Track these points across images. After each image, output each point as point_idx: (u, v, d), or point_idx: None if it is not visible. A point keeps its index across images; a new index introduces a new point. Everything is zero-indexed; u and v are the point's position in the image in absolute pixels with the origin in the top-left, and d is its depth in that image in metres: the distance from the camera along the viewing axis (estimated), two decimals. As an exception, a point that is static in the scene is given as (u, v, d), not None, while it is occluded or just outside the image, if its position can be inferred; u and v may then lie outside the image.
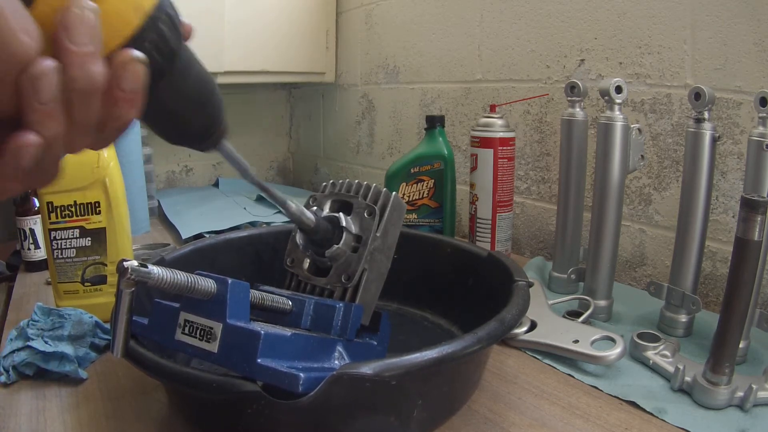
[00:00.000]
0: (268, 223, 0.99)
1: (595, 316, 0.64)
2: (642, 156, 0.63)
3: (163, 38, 0.26)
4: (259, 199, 1.20)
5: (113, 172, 0.63)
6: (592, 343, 0.53)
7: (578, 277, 0.72)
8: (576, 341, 0.54)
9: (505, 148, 0.82)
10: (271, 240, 0.66)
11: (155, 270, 0.33)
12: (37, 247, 0.84)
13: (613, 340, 0.53)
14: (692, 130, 0.57)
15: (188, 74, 0.30)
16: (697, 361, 0.50)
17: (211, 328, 0.36)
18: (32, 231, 0.84)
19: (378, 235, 0.46)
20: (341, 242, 0.45)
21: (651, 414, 0.45)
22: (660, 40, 0.73)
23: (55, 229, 0.62)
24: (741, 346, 0.52)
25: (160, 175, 1.41)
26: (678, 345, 0.54)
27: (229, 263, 0.63)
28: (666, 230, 0.75)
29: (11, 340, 0.53)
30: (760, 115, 0.52)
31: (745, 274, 0.44)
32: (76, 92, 0.23)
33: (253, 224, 1.00)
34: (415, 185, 0.90)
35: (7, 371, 0.50)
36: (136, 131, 1.03)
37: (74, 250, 0.62)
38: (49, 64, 0.22)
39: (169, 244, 0.90)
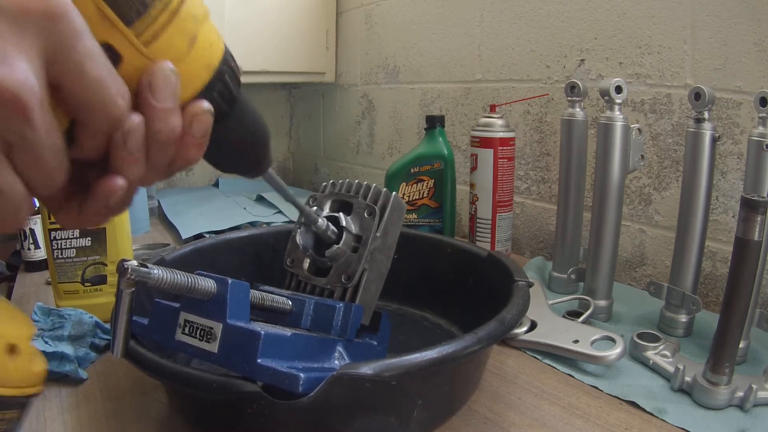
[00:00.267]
0: (268, 223, 0.99)
1: (595, 316, 0.64)
2: (642, 156, 0.63)
3: (227, 88, 0.29)
4: (259, 199, 1.21)
5: (113, 172, 0.63)
6: (592, 343, 0.53)
7: (578, 277, 0.72)
8: (576, 341, 0.54)
9: (505, 148, 0.82)
10: (271, 240, 0.66)
11: (155, 270, 0.33)
12: (37, 247, 0.84)
13: (613, 340, 0.53)
14: (692, 130, 0.57)
15: (244, 114, 0.32)
16: (697, 361, 0.50)
17: (211, 328, 0.36)
18: (32, 231, 0.84)
19: (378, 235, 0.46)
20: (341, 242, 0.45)
21: (651, 414, 0.45)
22: (660, 40, 0.73)
23: (55, 229, 0.62)
24: (741, 346, 0.52)
25: (160, 175, 1.41)
26: (678, 345, 0.54)
27: (229, 263, 0.63)
28: (666, 230, 0.75)
29: (11, 340, 0.53)
30: (760, 115, 0.52)
31: (745, 274, 0.44)
32: (157, 142, 0.26)
33: (253, 224, 1.00)
34: (415, 185, 0.90)
35: (7, 371, 0.50)
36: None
37: (74, 250, 0.62)
38: (138, 120, 0.25)
39: (169, 244, 0.90)
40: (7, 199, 0.22)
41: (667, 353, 0.52)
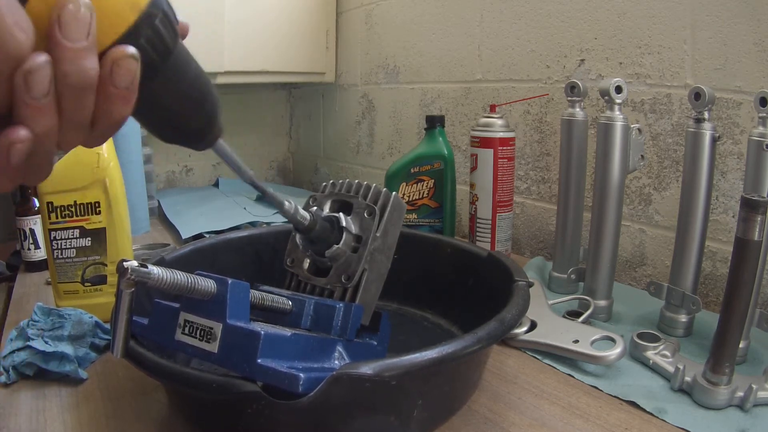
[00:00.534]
0: (268, 223, 0.99)
1: (595, 316, 0.64)
2: (642, 156, 0.63)
3: (158, 35, 0.26)
4: (259, 199, 1.20)
5: (113, 172, 0.63)
6: (592, 343, 0.53)
7: (578, 277, 0.72)
8: (576, 341, 0.54)
9: (505, 148, 0.82)
10: (271, 240, 0.66)
11: (155, 270, 0.33)
12: (37, 247, 0.84)
13: (613, 340, 0.53)
14: (692, 130, 0.57)
15: (183, 72, 0.29)
16: (697, 361, 0.50)
17: (211, 329, 0.36)
18: (32, 231, 0.84)
19: (378, 235, 0.46)
20: (341, 242, 0.45)
21: (651, 414, 0.45)
22: (660, 40, 0.73)
23: (55, 229, 0.62)
24: (741, 346, 0.52)
25: (160, 175, 1.41)
26: (678, 345, 0.54)
27: (229, 263, 0.63)
28: (666, 230, 0.75)
29: (11, 340, 0.53)
30: (760, 115, 0.52)
31: (745, 274, 0.44)
32: (68, 87, 0.23)
33: (253, 224, 1.00)
34: (415, 185, 0.90)
35: (7, 371, 0.50)
36: (136, 131, 1.03)
37: (74, 250, 0.62)
38: (41, 59, 0.22)
39: (169, 244, 0.90)
40: None
41: (667, 353, 0.52)
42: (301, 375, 0.32)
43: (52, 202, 0.61)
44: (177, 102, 0.30)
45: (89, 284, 0.63)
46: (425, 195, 0.90)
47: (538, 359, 0.55)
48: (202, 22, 1.09)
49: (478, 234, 0.85)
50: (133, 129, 1.01)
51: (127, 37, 0.25)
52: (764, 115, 0.51)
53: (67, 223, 0.62)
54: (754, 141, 0.52)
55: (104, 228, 0.63)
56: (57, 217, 0.61)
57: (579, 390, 0.49)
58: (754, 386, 0.45)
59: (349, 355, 0.41)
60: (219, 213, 1.10)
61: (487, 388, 0.50)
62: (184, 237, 0.95)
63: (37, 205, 0.82)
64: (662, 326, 0.61)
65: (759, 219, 0.42)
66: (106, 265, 0.63)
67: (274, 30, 1.23)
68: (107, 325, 0.57)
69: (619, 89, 0.61)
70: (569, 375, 0.52)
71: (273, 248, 0.64)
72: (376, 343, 0.45)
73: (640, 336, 0.55)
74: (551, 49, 0.87)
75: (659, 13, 0.72)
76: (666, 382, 0.50)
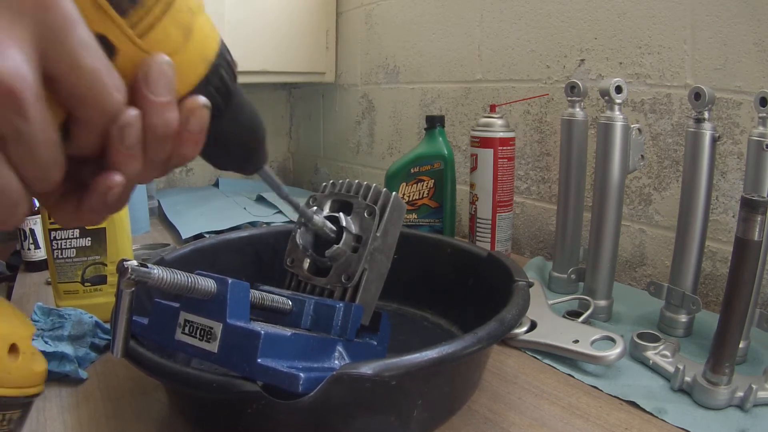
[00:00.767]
0: (268, 223, 0.99)
1: (595, 316, 0.64)
2: (642, 156, 0.63)
3: (223, 82, 0.29)
4: (259, 199, 1.21)
5: (113, 172, 0.63)
6: (592, 343, 0.53)
7: (578, 277, 0.72)
8: (576, 341, 0.54)
9: (505, 148, 0.82)
10: (271, 240, 0.66)
11: (155, 270, 0.33)
12: (37, 247, 0.84)
13: (613, 340, 0.53)
14: (692, 130, 0.57)
15: (240, 109, 0.32)
16: (697, 361, 0.50)
17: (211, 328, 0.35)
18: (32, 231, 0.84)
19: (378, 235, 0.46)
20: (341, 242, 0.45)
21: (651, 414, 0.45)
22: (660, 40, 0.73)
23: (55, 229, 0.62)
24: (741, 346, 0.52)
25: (160, 175, 1.41)
26: (678, 345, 0.54)
27: (229, 263, 0.63)
28: (666, 230, 0.75)
29: (11, 340, 0.53)
30: (760, 115, 0.52)
31: (745, 274, 0.44)
32: (153, 136, 0.26)
33: (253, 224, 1.00)
34: (415, 185, 0.90)
35: (7, 371, 0.50)
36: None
37: (74, 250, 0.62)
38: (134, 114, 0.24)
39: (169, 244, 0.90)
40: (2, 194, 0.21)
41: (667, 353, 0.52)
42: (301, 375, 0.32)
43: (52, 202, 0.61)
44: (235, 137, 0.33)
45: (89, 284, 0.63)
46: (425, 195, 0.90)
47: (538, 359, 0.55)
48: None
49: (478, 234, 0.85)
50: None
51: (199, 88, 0.28)
52: (764, 115, 0.51)
53: (67, 223, 0.62)
54: (754, 141, 0.52)
55: (104, 228, 0.63)
56: (57, 217, 0.61)
57: (579, 390, 0.49)
58: (754, 386, 0.45)
59: (349, 355, 0.41)
60: (219, 213, 1.10)
61: (487, 388, 0.50)
62: (184, 237, 0.95)
63: (37, 205, 0.82)
64: (662, 326, 0.61)
65: (759, 219, 0.42)
66: (106, 265, 0.63)
67: (274, 30, 1.23)
68: (107, 325, 0.57)
69: (619, 89, 0.61)
70: (569, 375, 0.52)
71: (273, 248, 0.64)
72: (376, 343, 0.45)
73: (640, 336, 0.55)
74: (551, 49, 0.87)
75: (659, 13, 0.72)
76: (666, 382, 0.50)
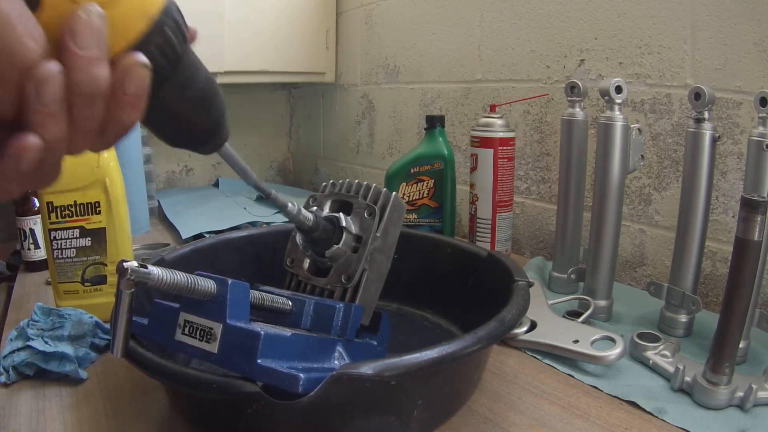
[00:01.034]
0: (268, 223, 0.99)
1: (595, 316, 0.64)
2: (642, 156, 0.63)
3: (168, 43, 0.27)
4: (259, 199, 1.20)
5: (113, 172, 0.63)
6: (592, 343, 0.53)
7: (578, 277, 0.72)
8: (576, 341, 0.54)
9: (505, 148, 0.82)
10: (271, 240, 0.66)
11: (155, 270, 0.33)
12: (37, 247, 0.84)
13: (613, 340, 0.53)
14: (692, 130, 0.57)
15: (192, 77, 0.30)
16: (697, 361, 0.50)
17: (211, 329, 0.36)
18: (32, 231, 0.84)
19: (378, 235, 0.46)
20: (341, 242, 0.45)
21: (651, 414, 0.45)
22: (660, 40, 0.73)
23: (55, 229, 0.62)
24: (741, 346, 0.52)
25: (160, 175, 1.41)
26: (678, 345, 0.54)
27: (229, 263, 0.63)
28: (666, 230, 0.75)
29: (11, 340, 0.53)
30: (760, 115, 0.52)
31: (745, 274, 0.44)
32: (79, 95, 0.23)
33: (253, 224, 1.00)
34: (415, 185, 0.90)
35: (7, 371, 0.50)
36: (137, 131, 1.03)
37: (74, 250, 0.62)
38: (52, 67, 0.22)
39: (169, 244, 0.90)
40: None
41: (667, 353, 0.52)
42: (301, 375, 0.32)
43: (52, 202, 0.61)
44: (185, 107, 0.30)
45: (89, 284, 0.63)
46: (425, 195, 0.90)
47: (538, 359, 0.55)
48: (202, 22, 1.09)
49: (478, 234, 0.85)
50: (133, 130, 1.01)
51: (138, 46, 0.25)
52: (764, 115, 0.51)
53: (67, 223, 0.62)
54: (754, 141, 0.52)
55: (104, 228, 0.63)
56: (57, 217, 0.61)
57: (579, 390, 0.49)
58: (754, 386, 0.45)
59: (349, 355, 0.41)
60: (219, 213, 1.10)
61: (487, 388, 0.50)
62: (184, 237, 0.95)
63: (37, 204, 0.82)
64: (662, 326, 0.61)
65: (759, 219, 0.42)
66: (106, 265, 0.63)
67: (274, 30, 1.23)
68: (107, 325, 0.57)
69: (619, 89, 0.61)
70: (569, 375, 0.52)
71: (273, 248, 0.64)
72: (376, 343, 0.45)
73: (640, 336, 0.55)
74: (551, 49, 0.87)
75: (659, 13, 0.72)
76: (666, 382, 0.50)
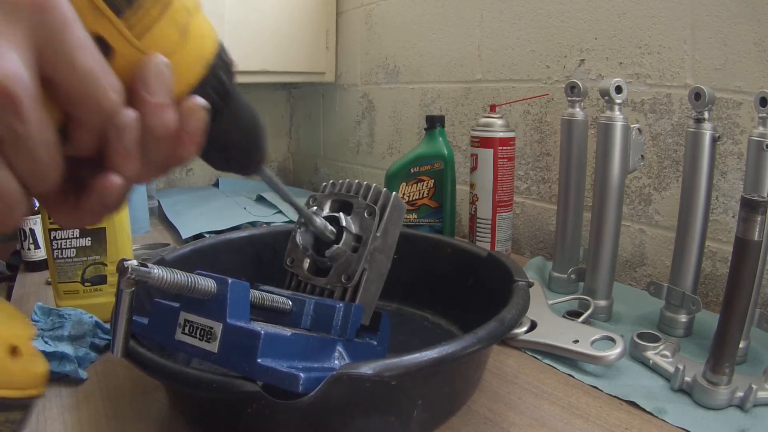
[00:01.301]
0: (268, 223, 0.99)
1: (595, 316, 0.64)
2: (642, 156, 0.63)
3: (221, 83, 0.29)
4: (259, 199, 1.21)
5: (113, 172, 0.63)
6: (592, 343, 0.53)
7: (578, 277, 0.72)
8: (576, 341, 0.54)
9: (505, 148, 0.82)
10: (271, 240, 0.66)
11: (155, 270, 0.33)
12: (37, 247, 0.84)
13: (613, 340, 0.53)
14: (692, 130, 0.57)
15: (239, 111, 0.32)
16: (697, 361, 0.50)
17: (211, 328, 0.35)
18: (32, 231, 0.84)
19: (378, 235, 0.46)
20: (341, 242, 0.45)
21: (651, 414, 0.45)
22: (660, 40, 0.73)
23: (55, 229, 0.62)
24: (741, 346, 0.52)
25: (160, 175, 1.41)
26: (678, 345, 0.54)
27: (229, 263, 0.63)
28: (666, 230, 0.75)
29: (11, 340, 0.53)
30: (760, 115, 0.52)
31: (745, 274, 0.44)
32: (151, 137, 0.26)
33: (253, 224, 1.00)
34: (415, 185, 0.90)
35: (7, 371, 0.50)
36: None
37: (74, 250, 0.62)
38: (131, 115, 0.24)
39: (169, 244, 0.90)
40: (1, 196, 0.21)
41: (667, 353, 0.52)
42: (301, 375, 0.32)
43: (52, 202, 0.61)
44: (234, 137, 0.33)
45: (89, 284, 0.63)
46: (425, 195, 0.90)
47: (538, 359, 0.55)
48: (202, 22, 1.09)
49: (478, 234, 0.85)
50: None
51: (197, 88, 0.28)
52: (764, 115, 0.51)
53: (67, 223, 0.62)
54: (754, 141, 0.52)
55: (104, 228, 0.63)
56: (57, 217, 0.61)
57: (579, 390, 0.49)
58: (754, 386, 0.45)
59: (349, 355, 0.41)
60: (219, 213, 1.10)
61: (487, 388, 0.50)
62: (184, 237, 0.95)
63: (37, 205, 0.82)
64: (662, 326, 0.61)
65: (759, 219, 0.42)
66: (106, 265, 0.63)
67: (274, 30, 1.23)
68: (107, 325, 0.57)
69: (619, 89, 0.61)
70: (569, 375, 0.52)
71: (273, 248, 0.64)
72: (376, 343, 0.45)
73: (640, 336, 0.55)
74: (551, 49, 0.87)
75: (659, 13, 0.72)
76: (666, 382, 0.50)
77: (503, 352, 0.56)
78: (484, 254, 0.61)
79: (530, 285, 0.51)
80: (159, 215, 1.17)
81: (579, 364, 0.53)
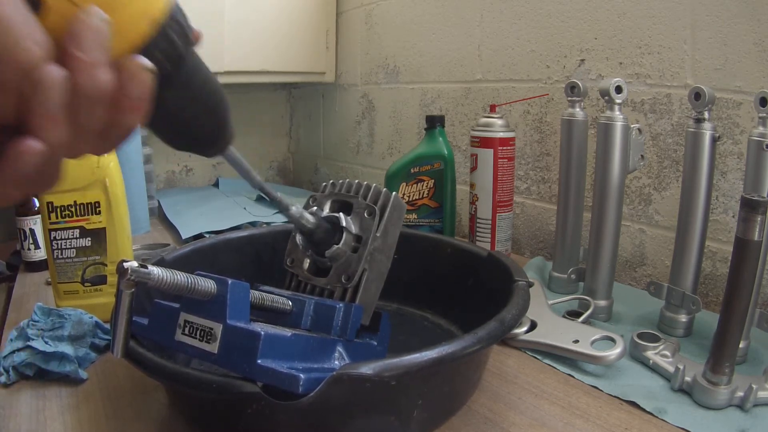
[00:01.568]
0: (268, 223, 0.99)
1: (595, 316, 0.64)
2: (642, 156, 0.63)
3: (172, 45, 0.26)
4: (259, 199, 1.20)
5: (113, 172, 0.63)
6: (592, 343, 0.53)
7: (578, 277, 0.72)
8: (576, 341, 0.54)
9: (505, 148, 0.82)
10: (271, 240, 0.66)
11: (155, 270, 0.33)
12: (37, 247, 0.84)
13: (613, 340, 0.53)
14: (692, 130, 0.57)
15: (195, 80, 0.29)
16: (697, 361, 0.50)
17: (211, 329, 0.36)
18: (32, 231, 0.84)
19: (378, 235, 0.46)
20: (341, 242, 0.45)
21: (651, 414, 0.45)
22: (660, 40, 0.73)
23: (55, 229, 0.62)
24: (741, 346, 0.52)
25: (160, 175, 1.41)
26: (678, 345, 0.54)
27: (229, 263, 0.63)
28: (666, 230, 0.75)
29: (11, 340, 0.53)
30: (760, 115, 0.52)
31: (745, 274, 0.44)
32: (81, 99, 0.23)
33: (253, 224, 1.00)
34: (415, 185, 0.90)
35: (7, 371, 0.50)
36: (137, 131, 1.03)
37: (74, 250, 0.62)
38: (54, 70, 0.22)
39: (169, 244, 0.90)
40: None
41: (667, 353, 0.52)
42: (301, 375, 0.32)
43: (52, 202, 0.61)
44: (188, 109, 0.30)
45: (89, 284, 0.63)
46: (425, 195, 0.90)
47: (538, 359, 0.55)
48: (202, 22, 1.09)
49: (478, 234, 0.85)
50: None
51: (142, 50, 0.25)
52: (764, 115, 0.51)
53: (67, 223, 0.62)
54: (754, 141, 0.52)
55: (104, 228, 0.63)
56: (57, 217, 0.61)
57: (579, 390, 0.49)
58: (754, 386, 0.45)
59: (349, 356, 0.41)
60: (219, 213, 1.10)
61: (487, 388, 0.50)
62: (184, 237, 0.95)
63: (37, 205, 0.82)
64: (662, 326, 0.61)
65: (759, 219, 0.42)
66: (106, 265, 0.63)
67: (274, 30, 1.23)
68: (107, 325, 0.57)
69: (619, 89, 0.61)
70: (569, 375, 0.52)
71: (273, 248, 0.64)
72: (376, 343, 0.45)
73: (640, 336, 0.55)
74: (551, 49, 0.87)
75: (659, 13, 0.72)
76: (666, 382, 0.50)
77: (503, 352, 0.56)
78: (484, 254, 0.61)
79: (530, 285, 0.51)
80: (159, 215, 1.17)
81: (579, 364, 0.53)
